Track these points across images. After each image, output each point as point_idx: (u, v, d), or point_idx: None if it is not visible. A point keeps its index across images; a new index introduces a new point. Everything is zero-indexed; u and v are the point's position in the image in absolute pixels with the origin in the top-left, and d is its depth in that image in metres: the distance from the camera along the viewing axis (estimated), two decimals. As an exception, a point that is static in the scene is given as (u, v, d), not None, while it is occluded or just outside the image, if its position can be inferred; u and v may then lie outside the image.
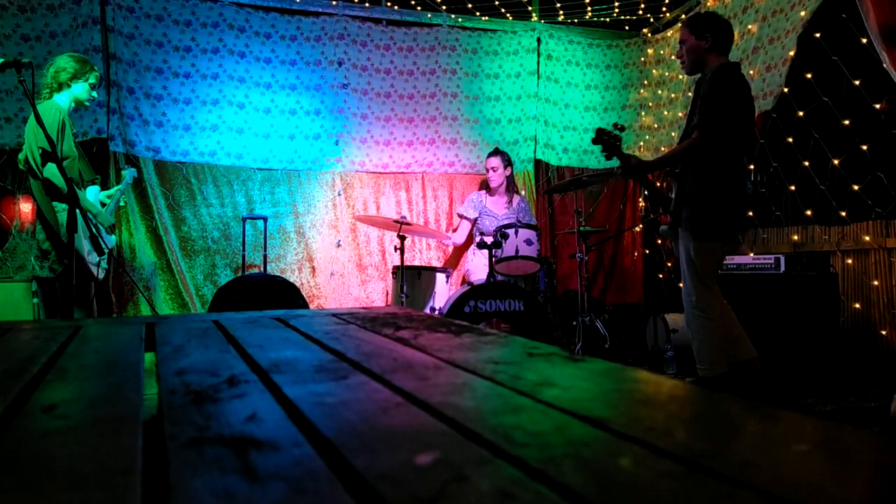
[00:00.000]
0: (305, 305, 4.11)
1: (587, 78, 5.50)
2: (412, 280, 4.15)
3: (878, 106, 3.41)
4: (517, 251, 3.90)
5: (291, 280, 4.41)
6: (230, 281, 4.00)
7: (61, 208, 3.07)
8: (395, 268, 4.21)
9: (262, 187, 4.72)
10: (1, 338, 1.27)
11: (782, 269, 3.53)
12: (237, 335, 1.21)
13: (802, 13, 3.76)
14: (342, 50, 4.89)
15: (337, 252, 4.85)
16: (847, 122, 3.57)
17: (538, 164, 5.39)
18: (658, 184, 3.78)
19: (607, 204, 5.53)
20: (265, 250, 4.44)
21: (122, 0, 4.39)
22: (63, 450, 0.54)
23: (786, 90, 3.90)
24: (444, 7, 5.12)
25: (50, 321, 2.46)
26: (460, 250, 5.07)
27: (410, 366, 0.89)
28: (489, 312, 3.76)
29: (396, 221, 3.93)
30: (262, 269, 4.43)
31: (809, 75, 3.78)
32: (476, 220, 4.75)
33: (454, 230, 4.97)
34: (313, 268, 4.79)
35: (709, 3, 4.79)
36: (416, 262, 5.00)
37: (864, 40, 3.35)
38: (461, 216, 4.83)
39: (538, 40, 5.36)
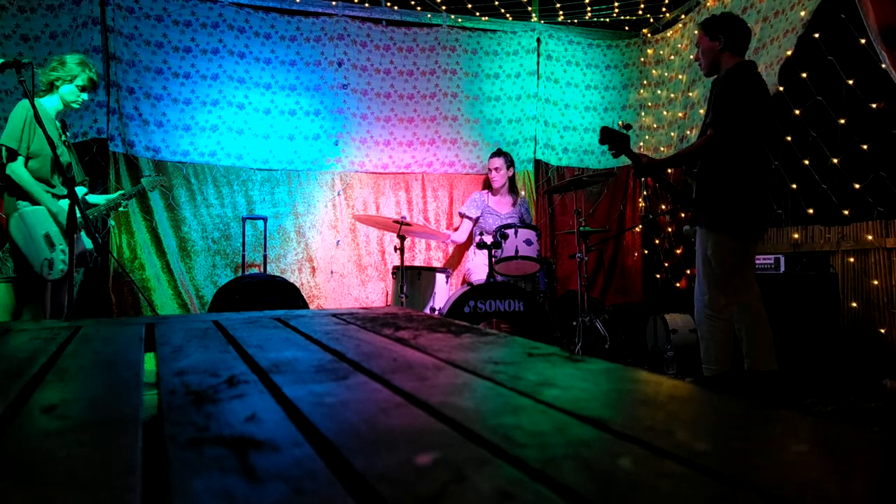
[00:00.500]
0: (305, 306, 4.11)
1: (587, 78, 5.51)
2: (412, 280, 4.15)
3: (874, 105, 3.41)
4: (517, 251, 3.90)
5: (291, 280, 4.40)
6: (230, 281, 4.00)
7: (23, 205, 3.06)
8: (395, 268, 4.21)
9: (262, 188, 4.73)
10: (1, 338, 1.27)
11: (782, 269, 3.53)
12: (237, 335, 1.21)
13: (802, 13, 3.76)
14: (342, 50, 4.89)
15: (337, 252, 4.85)
16: (844, 121, 3.58)
17: (538, 164, 5.39)
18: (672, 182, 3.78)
19: (607, 204, 5.53)
20: (265, 250, 4.44)
21: (121, 0, 4.39)
22: (63, 450, 0.54)
23: (780, 89, 3.91)
24: (443, 7, 5.12)
25: (50, 321, 2.46)
26: (460, 250, 5.07)
27: (410, 366, 0.89)
28: (489, 313, 3.76)
29: (396, 222, 3.93)
30: (261, 269, 4.43)
31: (804, 74, 3.78)
32: (478, 219, 4.75)
33: (455, 229, 4.97)
34: (313, 268, 4.79)
35: (709, 4, 4.79)
36: (416, 263, 5.00)
37: (863, 41, 3.35)
38: (463, 215, 4.83)
39: (538, 41, 5.36)
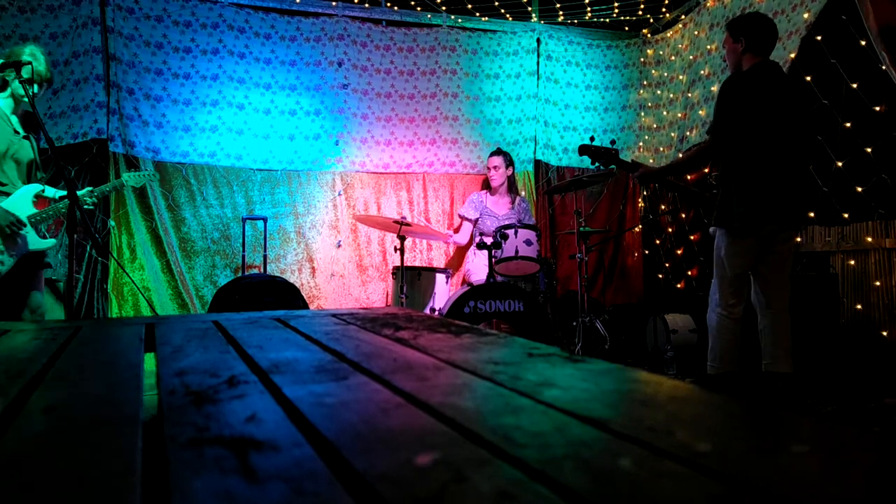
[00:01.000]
0: (305, 306, 4.11)
1: (587, 78, 5.51)
2: (412, 281, 4.15)
3: (877, 108, 3.41)
4: (517, 252, 3.90)
5: (291, 281, 4.40)
6: (230, 281, 4.00)
7: None
8: (395, 268, 4.21)
9: (262, 188, 4.72)
10: (1, 338, 1.27)
11: (782, 269, 3.52)
12: (237, 336, 1.21)
13: (805, 15, 3.76)
14: (342, 50, 4.89)
15: (337, 253, 4.86)
16: (849, 124, 3.57)
17: (538, 164, 5.39)
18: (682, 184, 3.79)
19: (607, 204, 5.53)
20: (265, 251, 4.44)
21: (121, 1, 4.39)
22: (63, 450, 0.54)
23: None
24: (443, 8, 5.12)
25: (50, 322, 2.45)
26: (461, 251, 5.07)
27: (410, 366, 0.89)
28: (489, 313, 3.76)
29: (396, 222, 3.93)
30: (261, 269, 4.43)
31: (809, 78, 3.78)
32: (476, 220, 4.75)
33: (455, 230, 4.97)
34: (313, 268, 4.79)
35: (709, 4, 4.79)
36: (417, 263, 5.00)
37: (864, 42, 3.35)
38: (462, 217, 4.83)
39: (538, 41, 5.37)
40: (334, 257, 4.84)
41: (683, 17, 5.17)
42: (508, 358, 0.95)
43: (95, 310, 4.28)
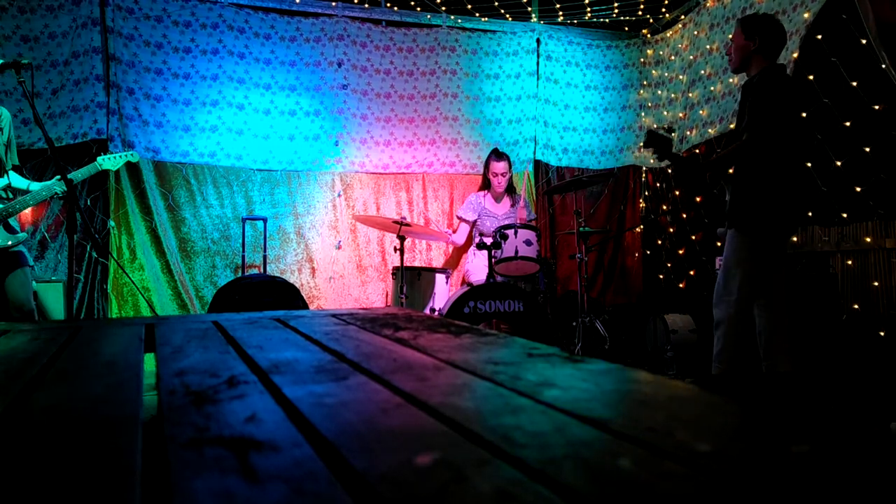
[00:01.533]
0: (305, 306, 4.11)
1: (587, 79, 5.51)
2: (412, 281, 4.15)
3: (876, 107, 3.41)
4: (517, 252, 3.90)
5: (291, 281, 4.40)
6: (230, 282, 4.00)
7: None
8: (395, 268, 4.21)
9: (262, 188, 4.72)
10: (1, 338, 1.27)
11: (782, 269, 3.52)
12: (237, 336, 1.21)
13: (806, 15, 3.76)
14: (342, 51, 4.89)
15: (337, 253, 4.85)
16: (849, 123, 3.57)
17: (538, 164, 5.39)
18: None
19: (607, 204, 5.53)
20: (265, 251, 4.44)
21: (121, 1, 4.39)
22: (63, 450, 0.54)
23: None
24: (443, 8, 5.12)
25: (50, 322, 2.46)
26: (460, 251, 5.07)
27: (410, 367, 0.89)
28: (489, 313, 3.76)
29: (396, 222, 3.93)
30: (261, 269, 4.43)
31: (811, 77, 3.78)
32: (475, 222, 4.75)
33: (454, 231, 4.97)
34: (313, 269, 4.79)
35: (709, 4, 4.79)
36: (416, 263, 5.00)
37: (864, 41, 3.35)
38: (460, 219, 4.83)
39: (538, 41, 5.36)
40: (334, 258, 4.84)
41: (683, 17, 5.17)
42: (508, 358, 0.95)
43: (95, 310, 4.28)
